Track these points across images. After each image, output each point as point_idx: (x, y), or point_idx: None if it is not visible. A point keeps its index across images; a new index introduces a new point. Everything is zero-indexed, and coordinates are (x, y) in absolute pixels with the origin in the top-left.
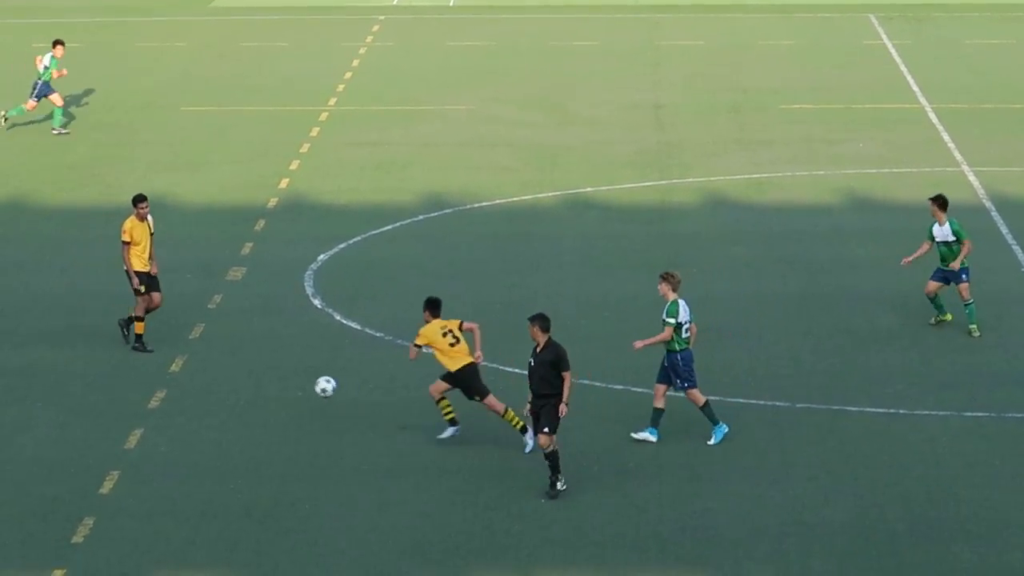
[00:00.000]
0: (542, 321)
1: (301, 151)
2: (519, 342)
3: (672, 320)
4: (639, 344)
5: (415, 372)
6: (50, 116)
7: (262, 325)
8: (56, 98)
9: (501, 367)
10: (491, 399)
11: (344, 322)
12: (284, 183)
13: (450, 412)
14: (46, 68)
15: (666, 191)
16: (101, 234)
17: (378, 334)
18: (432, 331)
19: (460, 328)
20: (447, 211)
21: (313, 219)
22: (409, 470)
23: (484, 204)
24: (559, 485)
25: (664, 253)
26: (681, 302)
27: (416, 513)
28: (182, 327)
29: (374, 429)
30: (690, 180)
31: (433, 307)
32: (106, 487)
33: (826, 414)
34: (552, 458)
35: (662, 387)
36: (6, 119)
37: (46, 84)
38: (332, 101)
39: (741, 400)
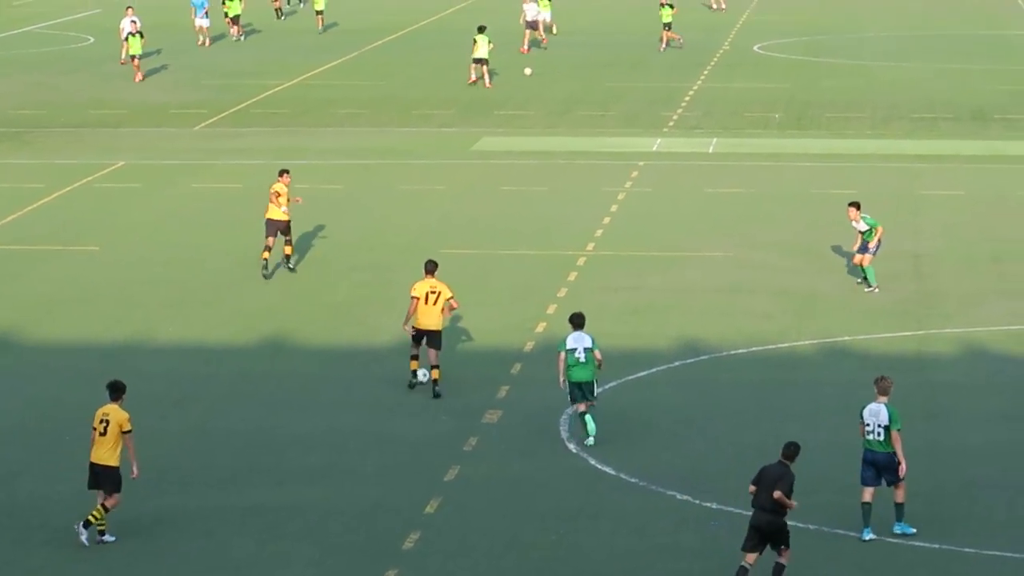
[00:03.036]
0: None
1: (558, 295)
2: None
3: (860, 419)
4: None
5: (668, 519)
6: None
7: (517, 468)
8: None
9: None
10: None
11: (599, 467)
12: (541, 327)
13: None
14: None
15: (924, 340)
16: (360, 375)
17: (632, 480)
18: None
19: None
20: (704, 357)
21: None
22: None
23: (741, 351)
24: None
25: (922, 402)
26: (872, 405)
27: None
28: (437, 468)
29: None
30: (949, 330)
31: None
32: None
33: None
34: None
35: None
36: None
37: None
38: (590, 246)
39: (996, 552)
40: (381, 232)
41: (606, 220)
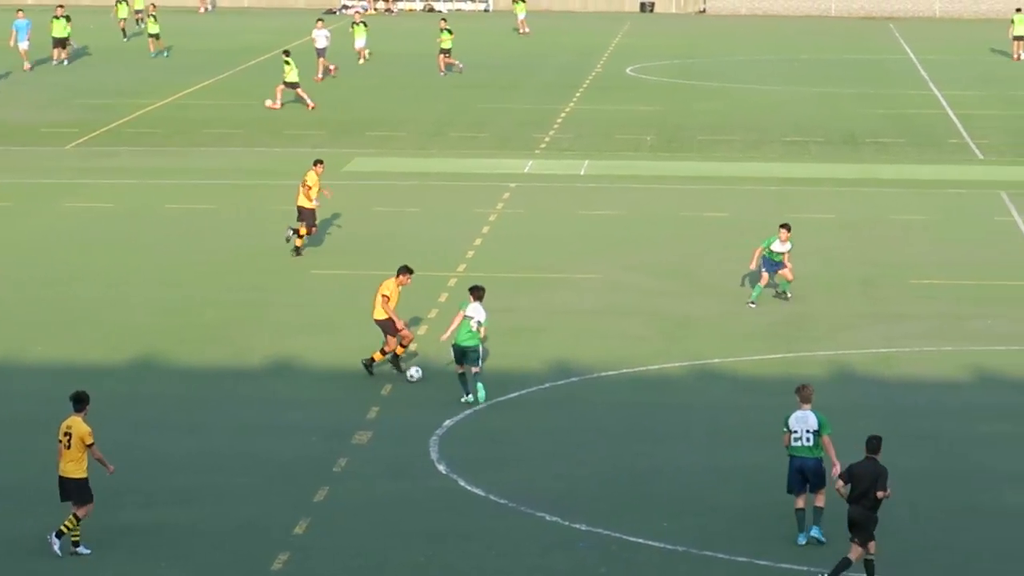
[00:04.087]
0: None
1: (430, 316)
2: (646, 511)
3: (784, 428)
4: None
5: (538, 540)
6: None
7: (387, 490)
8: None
9: (626, 536)
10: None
11: (469, 488)
12: (412, 348)
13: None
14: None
15: (794, 363)
16: (230, 395)
17: (502, 501)
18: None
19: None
20: (575, 379)
21: (440, 384)
22: None
23: (612, 373)
24: None
25: None
26: (797, 413)
27: None
28: (307, 490)
29: None
30: (819, 353)
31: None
32: None
33: None
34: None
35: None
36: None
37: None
38: (462, 267)
39: (861, 575)
40: (253, 253)
41: (478, 241)
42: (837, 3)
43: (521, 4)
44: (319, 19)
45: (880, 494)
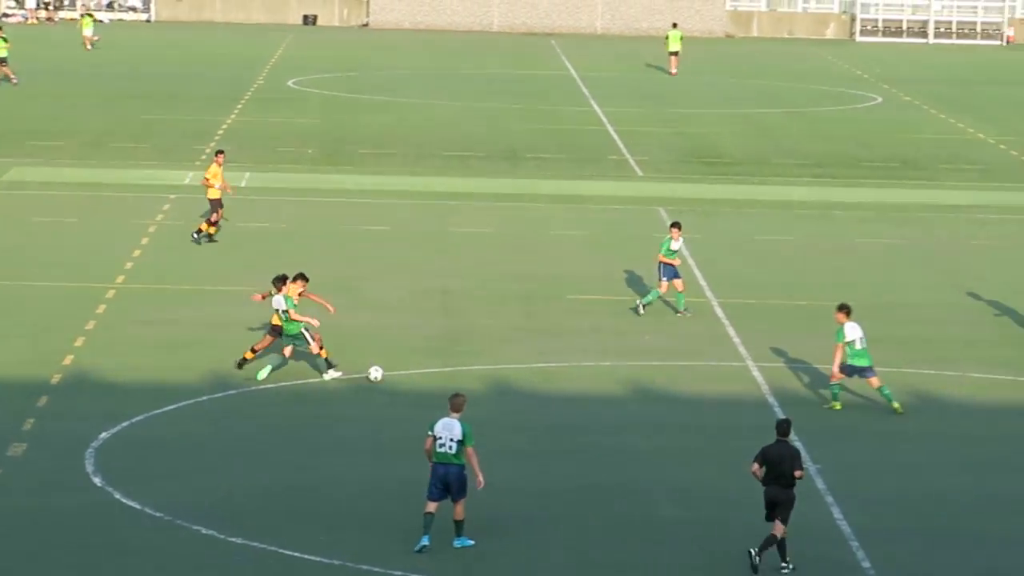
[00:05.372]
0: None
1: (86, 328)
2: (303, 525)
3: (428, 431)
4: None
5: (193, 554)
6: None
7: (41, 503)
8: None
9: (282, 550)
10: None
11: (125, 501)
12: (68, 359)
13: None
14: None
15: (451, 377)
16: None
17: (158, 514)
18: None
19: None
20: (232, 392)
21: (97, 396)
22: None
23: (271, 386)
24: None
25: None
26: (445, 420)
27: None
28: None
29: None
30: (476, 367)
31: None
32: None
33: None
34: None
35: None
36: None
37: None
38: (120, 279)
39: None
40: None
41: (137, 253)
42: (499, 18)
43: (88, 19)
44: None
45: (798, 473)
